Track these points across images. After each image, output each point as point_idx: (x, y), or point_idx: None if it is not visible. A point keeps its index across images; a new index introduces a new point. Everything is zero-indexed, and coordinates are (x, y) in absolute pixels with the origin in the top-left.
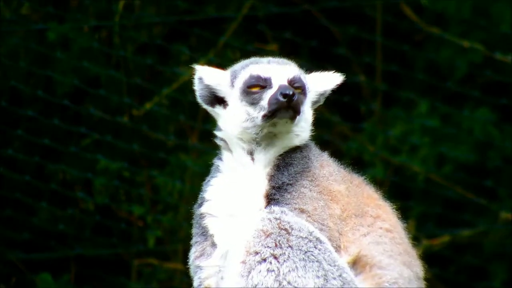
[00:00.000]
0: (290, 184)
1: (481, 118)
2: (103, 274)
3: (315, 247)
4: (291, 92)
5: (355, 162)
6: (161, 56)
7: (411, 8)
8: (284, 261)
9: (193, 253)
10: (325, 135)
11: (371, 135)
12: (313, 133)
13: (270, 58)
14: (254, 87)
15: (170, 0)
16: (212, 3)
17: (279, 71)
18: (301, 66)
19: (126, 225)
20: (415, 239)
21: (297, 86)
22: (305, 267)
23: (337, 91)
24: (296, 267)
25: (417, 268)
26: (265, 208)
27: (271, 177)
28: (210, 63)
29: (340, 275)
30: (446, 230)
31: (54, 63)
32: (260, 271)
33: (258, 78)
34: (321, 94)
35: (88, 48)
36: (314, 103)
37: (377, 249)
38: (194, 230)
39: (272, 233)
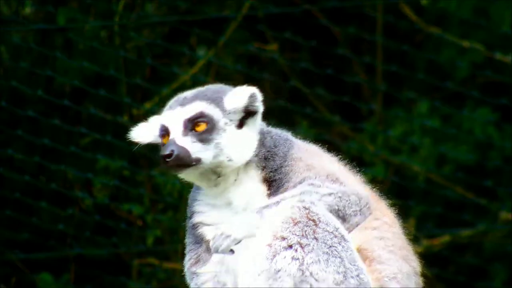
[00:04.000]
0: (285, 161)
1: (481, 118)
2: (103, 274)
3: (339, 243)
4: (167, 153)
5: (355, 162)
6: (161, 56)
7: (411, 8)
8: (309, 251)
9: (188, 261)
10: (325, 135)
11: (371, 135)
12: (313, 133)
13: (181, 97)
14: (163, 137)
15: (170, 0)
16: (212, 3)
17: (175, 117)
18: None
19: (126, 224)
20: (415, 239)
21: (200, 122)
22: (328, 261)
23: (337, 91)
24: (319, 259)
25: (415, 263)
26: (268, 191)
27: (263, 167)
28: (210, 63)
29: (358, 275)
30: (446, 230)
31: (54, 63)
32: (285, 257)
33: (162, 128)
34: (246, 109)
35: (88, 48)
36: (244, 118)
37: (378, 243)
38: (188, 240)
39: (300, 222)
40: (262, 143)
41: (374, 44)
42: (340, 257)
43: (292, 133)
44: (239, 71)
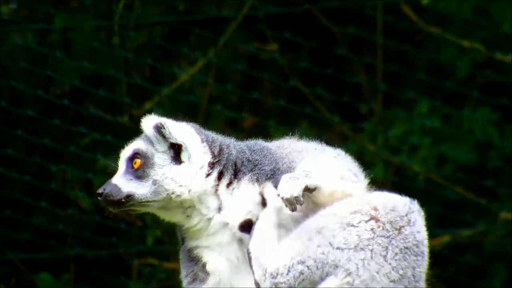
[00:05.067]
0: (277, 163)
1: (481, 118)
2: (103, 274)
3: (416, 255)
4: (99, 191)
5: (355, 162)
6: (161, 56)
7: (411, 8)
8: (385, 236)
9: (185, 277)
10: (325, 135)
11: (371, 135)
12: (311, 134)
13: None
14: None
15: (170, 0)
16: (212, 3)
17: (121, 156)
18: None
19: (126, 225)
20: None
21: (136, 159)
22: (396, 254)
23: (337, 91)
24: (388, 248)
25: None
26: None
27: (257, 179)
28: (210, 63)
29: None
30: (446, 230)
31: (54, 63)
32: (366, 221)
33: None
34: (165, 139)
35: (88, 48)
36: (177, 153)
37: None
38: (182, 259)
39: (397, 211)
40: (242, 163)
41: (374, 44)
42: (408, 263)
43: (292, 133)
44: (239, 71)
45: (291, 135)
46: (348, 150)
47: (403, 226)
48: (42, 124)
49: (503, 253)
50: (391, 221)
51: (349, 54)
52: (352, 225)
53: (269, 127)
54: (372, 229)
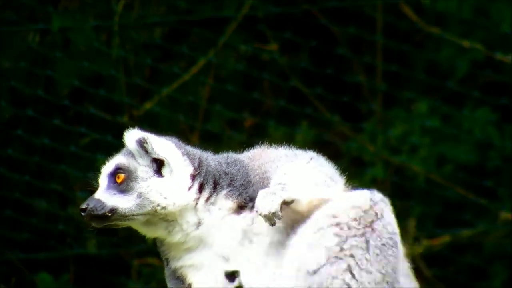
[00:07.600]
0: (248, 176)
1: (481, 118)
2: (103, 274)
3: (391, 247)
4: (82, 207)
5: (355, 162)
6: (161, 56)
7: (411, 8)
8: (357, 235)
9: None
10: (325, 135)
11: (371, 135)
12: (312, 133)
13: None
14: None
15: (170, 0)
16: (212, 3)
17: (102, 172)
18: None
19: None
20: (415, 239)
21: (119, 174)
22: (377, 255)
23: (337, 91)
24: (368, 248)
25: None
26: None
27: (231, 195)
28: (210, 63)
29: (392, 285)
30: (446, 230)
31: (54, 63)
32: (327, 232)
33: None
34: (147, 153)
35: (88, 48)
36: (159, 166)
37: None
38: (168, 277)
39: (359, 208)
40: (220, 176)
41: (374, 44)
42: (388, 260)
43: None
44: (239, 71)
45: (262, 142)
46: (348, 150)
47: (373, 221)
48: (42, 124)
49: (503, 253)
50: (356, 218)
51: (349, 54)
52: (317, 244)
53: (269, 127)
54: (335, 234)
